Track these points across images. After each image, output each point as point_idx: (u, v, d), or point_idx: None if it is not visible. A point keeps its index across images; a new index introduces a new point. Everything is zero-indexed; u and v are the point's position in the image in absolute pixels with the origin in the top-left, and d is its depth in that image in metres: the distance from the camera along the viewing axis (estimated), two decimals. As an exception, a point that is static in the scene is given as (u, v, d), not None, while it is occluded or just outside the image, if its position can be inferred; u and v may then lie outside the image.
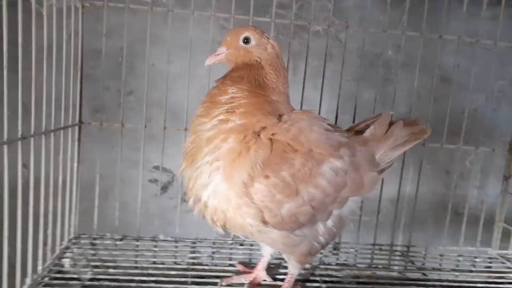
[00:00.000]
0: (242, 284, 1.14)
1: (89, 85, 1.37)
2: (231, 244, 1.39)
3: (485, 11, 1.35)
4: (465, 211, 1.47)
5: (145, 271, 1.17)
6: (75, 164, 1.31)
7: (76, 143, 1.32)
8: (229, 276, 1.17)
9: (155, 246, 1.33)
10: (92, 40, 1.33)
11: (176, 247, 1.35)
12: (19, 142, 0.97)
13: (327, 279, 1.23)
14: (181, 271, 1.20)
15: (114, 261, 1.22)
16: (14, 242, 0.96)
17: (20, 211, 0.97)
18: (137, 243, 1.34)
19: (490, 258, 1.46)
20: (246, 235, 1.02)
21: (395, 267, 1.34)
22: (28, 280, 1.05)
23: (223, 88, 0.99)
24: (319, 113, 1.25)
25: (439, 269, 1.36)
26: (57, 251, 1.22)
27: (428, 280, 1.28)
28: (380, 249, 1.44)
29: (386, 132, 1.12)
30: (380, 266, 1.35)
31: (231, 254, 1.34)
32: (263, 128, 0.95)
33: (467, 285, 1.24)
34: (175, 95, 1.40)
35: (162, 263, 1.24)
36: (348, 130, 1.15)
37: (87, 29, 1.30)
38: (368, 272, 1.29)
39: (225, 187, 0.93)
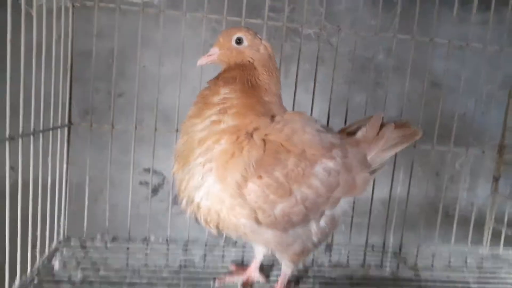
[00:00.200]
0: (236, 285, 1.13)
1: (79, 87, 1.36)
2: (224, 245, 1.38)
3: (475, 16, 1.37)
4: (456, 212, 1.48)
5: (136, 273, 1.16)
6: (64, 166, 1.30)
7: (65, 144, 1.31)
8: (222, 277, 1.17)
9: (146, 248, 1.32)
10: (82, 41, 1.32)
11: (168, 249, 1.33)
12: (7, 143, 0.96)
13: (320, 279, 1.23)
14: (173, 273, 1.19)
15: (105, 263, 1.20)
16: (3, 244, 0.95)
17: (8, 213, 0.96)
18: (128, 245, 1.33)
19: (481, 257, 1.47)
20: (239, 235, 1.02)
21: (388, 267, 1.34)
22: (17, 282, 1.03)
23: (215, 89, 0.99)
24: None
25: (431, 268, 1.36)
26: (46, 253, 1.20)
27: (421, 279, 1.28)
28: (372, 249, 1.45)
29: (378, 134, 1.13)
30: (372, 266, 1.35)
31: (223, 255, 1.33)
32: (256, 128, 0.95)
33: (459, 284, 1.25)
34: (166, 97, 1.40)
35: (154, 265, 1.23)
36: (340, 132, 1.16)
37: (77, 29, 1.29)
38: (361, 272, 1.29)
39: (218, 188, 0.93)
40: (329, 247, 1.42)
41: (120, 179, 1.53)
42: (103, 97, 1.59)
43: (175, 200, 1.63)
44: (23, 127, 1.01)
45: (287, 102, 1.12)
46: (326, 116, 1.38)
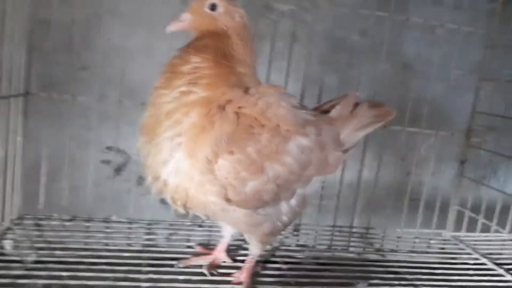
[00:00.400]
0: (201, 266, 1.09)
1: (39, 59, 1.27)
2: (189, 225, 1.33)
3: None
4: (422, 195, 1.50)
5: (96, 253, 1.10)
6: (19, 139, 1.20)
7: (21, 115, 1.21)
8: (187, 258, 1.12)
9: (107, 228, 1.25)
10: (43, 9, 1.22)
11: (130, 228, 1.27)
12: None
13: (287, 260, 1.21)
14: (135, 253, 1.13)
15: (62, 243, 1.13)
16: None
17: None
18: (88, 224, 1.25)
19: (444, 240, 1.50)
20: (207, 214, 0.98)
21: (354, 249, 1.34)
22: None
23: (186, 58, 0.92)
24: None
25: (396, 251, 1.37)
26: (-3, 232, 1.12)
27: (386, 261, 1.29)
28: (340, 231, 1.44)
29: (352, 112, 1.11)
30: (339, 248, 1.34)
31: (189, 236, 1.28)
32: (229, 101, 0.90)
33: (422, 266, 1.26)
34: (132, 72, 1.31)
35: (115, 245, 1.16)
36: (314, 110, 1.13)
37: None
38: (327, 254, 1.29)
39: (187, 164, 0.88)
40: (296, 229, 1.40)
41: (81, 157, 1.44)
42: (65, 70, 1.48)
43: (140, 181, 1.58)
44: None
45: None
46: (299, 97, 1.34)
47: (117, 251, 1.13)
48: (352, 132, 1.11)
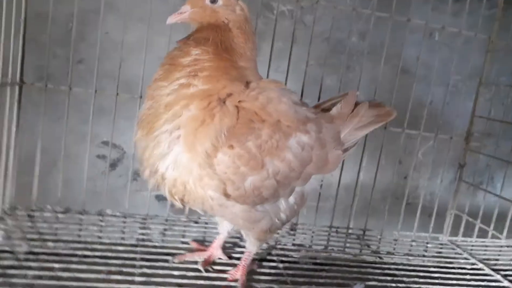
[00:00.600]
0: (196, 262, 1.08)
1: (35, 52, 1.25)
2: (185, 221, 1.32)
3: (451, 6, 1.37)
4: (419, 198, 1.49)
5: (89, 246, 1.08)
6: (14, 128, 1.18)
7: (16, 105, 1.19)
8: (182, 254, 1.10)
9: (101, 221, 1.23)
10: (39, 2, 1.20)
11: (125, 222, 1.25)
12: None
13: (284, 259, 1.19)
14: (129, 247, 1.11)
15: (55, 235, 1.11)
16: None
17: None
18: (82, 216, 1.23)
19: (441, 244, 1.49)
20: (205, 209, 0.96)
21: (351, 250, 1.33)
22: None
23: (186, 50, 0.90)
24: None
25: (393, 253, 1.36)
26: (-11, 222, 1.10)
27: (383, 263, 1.28)
28: (337, 232, 1.43)
29: (352, 111, 1.10)
30: (335, 249, 1.33)
31: (184, 231, 1.26)
32: (229, 94, 0.88)
33: (419, 269, 1.25)
34: (130, 67, 1.29)
35: (108, 238, 1.14)
36: (314, 108, 1.12)
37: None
38: (324, 254, 1.27)
39: (186, 157, 0.86)
40: (293, 228, 1.38)
41: (77, 151, 1.42)
42: (61, 63, 1.46)
43: (135, 176, 1.56)
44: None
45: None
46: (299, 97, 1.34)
47: (111, 245, 1.11)
48: (352, 131, 1.10)
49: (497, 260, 1.39)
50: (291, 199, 1.00)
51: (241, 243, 1.22)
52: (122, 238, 1.16)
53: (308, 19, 1.59)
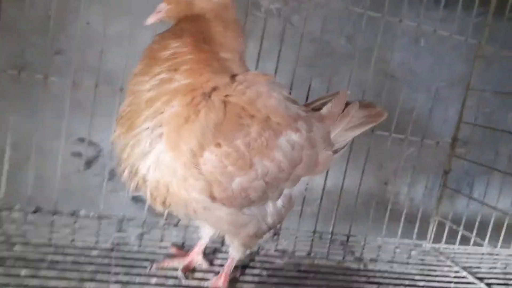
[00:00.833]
0: (176, 269, 1.02)
1: (11, 40, 1.17)
2: (164, 225, 1.25)
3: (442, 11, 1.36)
4: (403, 204, 1.47)
5: (60, 250, 1.00)
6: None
7: (-16, 96, 1.11)
8: (160, 260, 1.04)
9: (75, 222, 1.16)
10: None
11: (100, 224, 1.18)
12: None
13: (267, 266, 1.15)
14: (104, 251, 1.04)
15: (23, 237, 1.03)
16: None
17: None
18: (53, 217, 1.15)
19: (424, 251, 1.47)
20: (188, 213, 0.89)
21: (335, 257, 1.29)
22: None
23: (164, 43, 0.84)
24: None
25: (377, 260, 1.33)
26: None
27: (368, 270, 1.25)
28: (320, 237, 1.39)
29: (343, 111, 1.07)
30: (318, 256, 1.29)
31: (163, 235, 1.20)
32: (215, 88, 0.83)
33: (404, 277, 1.23)
34: (111, 60, 1.22)
35: (82, 242, 1.07)
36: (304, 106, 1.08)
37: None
38: (308, 261, 1.23)
39: (169, 157, 0.80)
40: (276, 233, 1.34)
41: (50, 147, 1.33)
42: (39, 53, 1.38)
43: (111, 175, 1.49)
44: None
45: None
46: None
47: (84, 249, 1.04)
48: (342, 132, 1.07)
49: (479, 267, 1.38)
50: (279, 202, 0.95)
51: (224, 249, 1.16)
52: (97, 242, 1.09)
53: (296, 18, 1.56)
